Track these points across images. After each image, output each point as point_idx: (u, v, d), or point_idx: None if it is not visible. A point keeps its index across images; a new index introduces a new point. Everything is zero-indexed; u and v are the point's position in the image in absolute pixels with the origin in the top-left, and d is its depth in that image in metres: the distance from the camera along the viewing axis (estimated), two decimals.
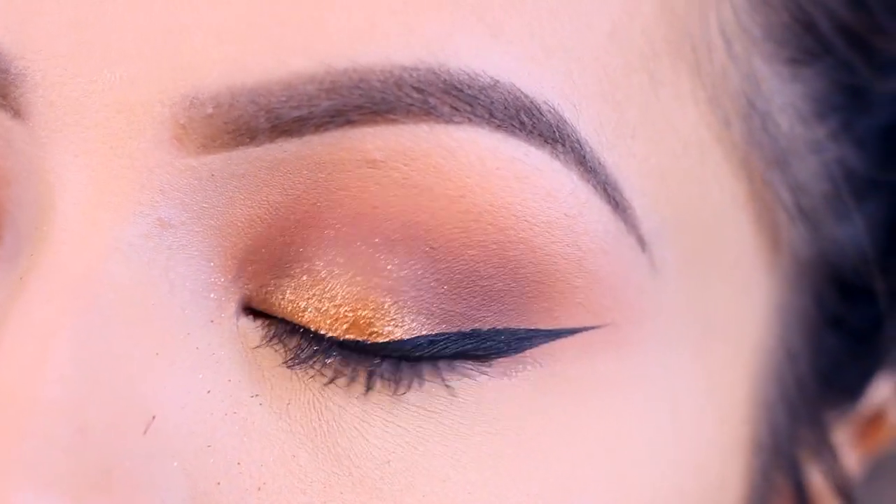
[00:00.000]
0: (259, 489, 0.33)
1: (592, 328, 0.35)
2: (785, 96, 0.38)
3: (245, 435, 0.34)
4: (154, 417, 0.33)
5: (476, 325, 0.34)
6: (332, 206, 0.34)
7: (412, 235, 0.34)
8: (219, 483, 0.33)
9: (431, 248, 0.34)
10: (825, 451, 0.42)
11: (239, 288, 0.35)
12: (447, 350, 0.34)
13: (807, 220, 0.39)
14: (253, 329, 0.35)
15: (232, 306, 0.34)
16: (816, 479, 0.43)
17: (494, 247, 0.34)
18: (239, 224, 0.34)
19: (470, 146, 0.33)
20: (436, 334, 0.34)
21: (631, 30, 0.35)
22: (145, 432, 0.32)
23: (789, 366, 0.40)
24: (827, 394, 0.42)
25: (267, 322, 0.35)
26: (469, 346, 0.34)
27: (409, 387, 0.34)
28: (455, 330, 0.34)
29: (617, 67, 0.35)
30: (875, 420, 0.45)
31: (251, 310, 0.35)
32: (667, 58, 0.36)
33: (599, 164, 0.34)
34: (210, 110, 0.33)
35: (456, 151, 0.33)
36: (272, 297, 0.35)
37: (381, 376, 0.34)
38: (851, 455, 0.45)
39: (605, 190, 0.34)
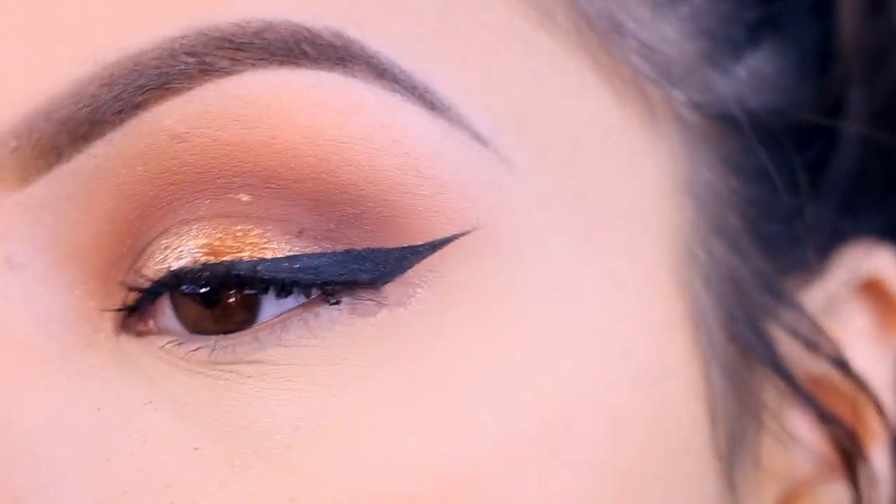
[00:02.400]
0: (168, 487, 0.33)
1: (461, 235, 0.35)
2: None
3: (145, 441, 0.34)
4: (48, 449, 0.33)
5: (349, 246, 0.34)
6: (163, 188, 0.34)
7: (248, 183, 0.34)
8: (125, 492, 0.33)
9: (273, 188, 0.34)
10: (786, 309, 0.41)
11: (113, 303, 0.35)
12: (334, 274, 0.34)
13: (682, 83, 0.38)
14: (134, 340, 0.35)
15: (108, 325, 0.35)
16: (790, 346, 0.41)
17: (325, 176, 0.34)
18: (87, 244, 0.34)
19: (259, 89, 0.34)
20: (317, 254, 0.34)
21: None
22: (41, 464, 0.33)
23: (719, 236, 0.39)
24: (777, 257, 0.41)
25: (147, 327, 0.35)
26: (353, 269, 0.34)
27: (307, 342, 0.34)
28: (330, 250, 0.34)
29: None
30: (878, 291, 0.42)
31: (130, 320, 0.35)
32: None
33: (402, 71, 0.35)
34: (14, 143, 0.33)
35: (248, 98, 0.34)
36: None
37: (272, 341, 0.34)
38: (863, 339, 0.42)
39: (414, 94, 0.35)
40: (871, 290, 0.43)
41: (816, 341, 0.41)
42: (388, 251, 0.35)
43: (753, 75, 0.40)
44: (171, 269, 0.34)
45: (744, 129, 0.39)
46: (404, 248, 0.35)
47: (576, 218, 0.37)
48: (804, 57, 0.43)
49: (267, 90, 0.34)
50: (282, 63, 0.34)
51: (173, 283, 0.34)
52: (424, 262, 0.35)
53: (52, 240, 0.34)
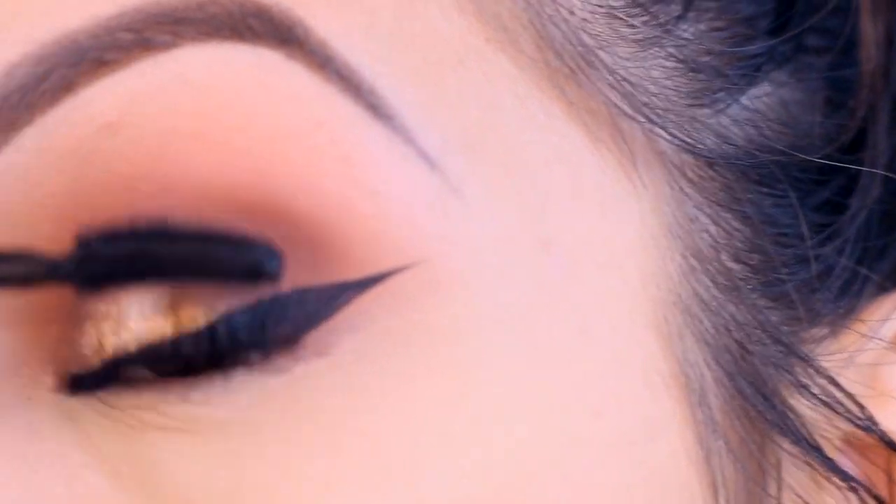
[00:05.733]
0: None
1: (402, 269, 0.31)
2: None
3: None
4: None
5: (275, 290, 0.31)
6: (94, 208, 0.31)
7: (181, 206, 0.31)
8: None
9: (204, 208, 0.31)
10: (799, 364, 0.37)
11: (53, 355, 0.32)
12: (251, 332, 0.31)
13: (667, 122, 0.35)
14: (74, 396, 0.32)
15: (48, 379, 0.32)
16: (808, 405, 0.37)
17: (260, 180, 0.31)
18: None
19: (199, 65, 0.31)
20: (231, 311, 0.31)
21: None
22: None
23: (715, 285, 0.36)
24: (789, 308, 0.37)
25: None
26: (276, 318, 0.31)
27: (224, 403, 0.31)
28: (254, 300, 0.31)
29: None
30: None
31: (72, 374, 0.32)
32: None
33: (347, 66, 0.31)
34: None
35: (187, 75, 0.31)
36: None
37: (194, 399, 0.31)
38: None
39: (358, 94, 0.31)
40: None
41: (834, 400, 0.37)
42: (318, 292, 0.31)
43: (752, 112, 0.37)
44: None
45: (739, 169, 0.36)
46: (336, 285, 0.31)
47: (541, 264, 0.33)
48: (819, 90, 0.39)
49: (207, 66, 0.31)
50: (225, 38, 0.31)
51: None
52: (357, 303, 0.31)
53: None
